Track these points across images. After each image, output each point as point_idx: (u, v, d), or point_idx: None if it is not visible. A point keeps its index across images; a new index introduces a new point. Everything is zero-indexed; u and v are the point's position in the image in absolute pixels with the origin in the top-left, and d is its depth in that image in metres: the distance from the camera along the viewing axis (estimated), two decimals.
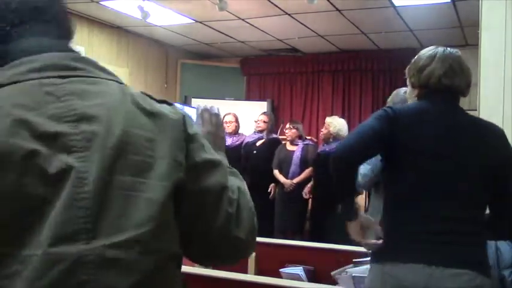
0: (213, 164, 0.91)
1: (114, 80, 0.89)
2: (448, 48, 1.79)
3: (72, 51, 0.91)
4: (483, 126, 1.75)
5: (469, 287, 1.56)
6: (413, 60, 1.83)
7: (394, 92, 3.20)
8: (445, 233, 1.60)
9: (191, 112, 1.11)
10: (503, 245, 2.39)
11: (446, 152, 1.66)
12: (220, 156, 0.97)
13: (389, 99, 3.20)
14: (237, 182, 0.96)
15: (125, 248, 0.75)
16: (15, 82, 0.81)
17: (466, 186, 1.66)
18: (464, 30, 6.62)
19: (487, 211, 1.76)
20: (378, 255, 1.69)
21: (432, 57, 1.76)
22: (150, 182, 0.81)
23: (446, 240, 1.60)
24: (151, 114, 0.86)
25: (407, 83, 1.86)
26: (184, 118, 0.91)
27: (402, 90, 3.25)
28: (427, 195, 1.64)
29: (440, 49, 1.78)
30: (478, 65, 3.08)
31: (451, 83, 1.73)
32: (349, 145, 1.70)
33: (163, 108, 0.90)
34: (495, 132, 1.75)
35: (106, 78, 0.88)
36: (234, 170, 1.00)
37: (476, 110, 3.13)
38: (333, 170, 1.70)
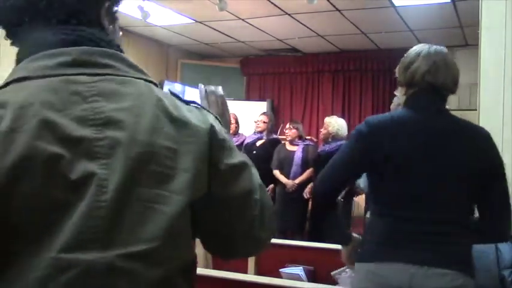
0: (240, 169, 0.89)
1: (143, 79, 0.87)
2: (434, 46, 1.79)
3: (106, 42, 0.87)
4: (468, 129, 1.75)
5: (451, 287, 1.58)
6: (401, 60, 1.85)
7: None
8: (428, 234, 1.63)
9: (193, 94, 1.09)
10: (503, 245, 2.39)
11: (424, 159, 1.68)
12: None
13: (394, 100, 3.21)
14: (257, 179, 0.93)
15: (135, 259, 0.75)
16: (43, 76, 0.78)
17: (447, 189, 1.67)
18: (464, 30, 6.62)
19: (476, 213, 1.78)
20: (365, 255, 1.72)
21: (417, 55, 1.77)
22: (169, 194, 0.79)
23: (429, 241, 1.62)
24: (177, 122, 0.83)
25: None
26: (212, 128, 0.87)
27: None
28: (408, 200, 1.67)
29: (426, 46, 1.79)
30: (478, 65, 3.08)
31: (435, 80, 1.73)
32: (323, 186, 1.83)
33: (192, 114, 0.87)
34: (480, 134, 1.74)
35: (135, 77, 0.86)
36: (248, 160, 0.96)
37: (476, 110, 3.12)
38: (315, 204, 1.86)
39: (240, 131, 6.13)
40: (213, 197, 0.86)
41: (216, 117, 0.92)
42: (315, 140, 6.64)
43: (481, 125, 3.02)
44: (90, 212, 0.73)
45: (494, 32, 3.02)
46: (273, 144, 5.82)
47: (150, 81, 0.88)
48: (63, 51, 0.81)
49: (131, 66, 0.88)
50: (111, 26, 0.93)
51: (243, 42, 7.90)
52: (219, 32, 7.29)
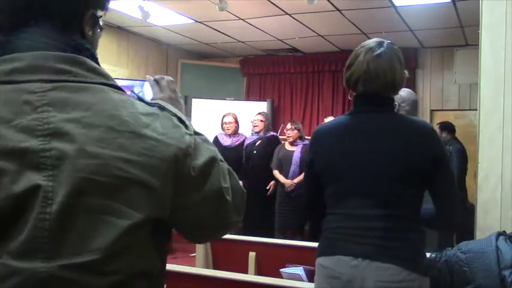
0: (209, 167, 0.89)
1: (103, 83, 0.85)
2: (377, 47, 1.80)
3: (72, 47, 0.86)
4: (406, 126, 1.78)
5: (392, 281, 1.62)
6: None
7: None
8: (372, 230, 1.68)
9: (146, 87, 1.13)
10: (503, 245, 2.39)
11: (361, 159, 1.75)
12: (189, 123, 0.94)
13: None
14: (225, 168, 0.94)
15: (79, 270, 0.75)
16: None
17: (388, 186, 1.71)
18: (464, 30, 6.62)
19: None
20: (318, 251, 1.81)
21: (356, 57, 1.83)
22: (121, 207, 0.78)
23: (373, 236, 1.67)
24: (133, 133, 0.81)
25: None
26: (176, 134, 0.87)
27: (402, 91, 3.26)
28: (352, 199, 1.75)
29: (365, 47, 1.82)
30: (478, 65, 3.08)
31: (365, 89, 1.78)
32: (304, 198, 2.01)
33: (153, 122, 0.85)
34: (418, 129, 1.77)
35: (93, 82, 0.83)
36: (206, 138, 0.96)
37: (476, 110, 3.12)
38: (307, 216, 1.95)
39: (240, 131, 6.13)
40: (187, 200, 0.87)
41: (180, 118, 0.91)
42: None
43: (481, 125, 3.03)
44: (36, 223, 0.73)
45: (494, 32, 3.02)
46: (271, 141, 5.84)
47: (111, 85, 0.86)
48: (16, 57, 0.81)
49: (91, 70, 0.84)
50: (90, 32, 0.93)
51: (243, 42, 7.90)
52: (219, 32, 7.29)
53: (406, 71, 1.87)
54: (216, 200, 0.91)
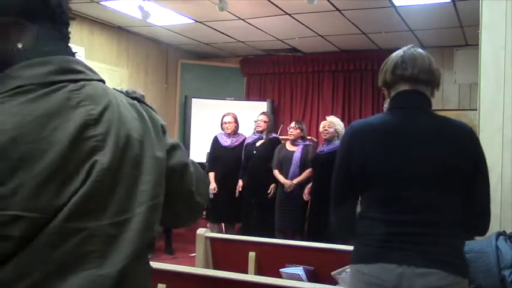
0: (175, 147, 1.10)
1: (99, 80, 1.01)
2: (410, 48, 1.83)
3: (73, 53, 1.00)
4: (449, 127, 1.76)
5: (438, 285, 1.61)
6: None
7: None
8: (413, 236, 1.66)
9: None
10: (503, 245, 2.39)
11: (402, 162, 1.71)
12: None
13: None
14: (189, 157, 1.15)
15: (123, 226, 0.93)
16: (37, 84, 0.89)
17: (428, 190, 1.69)
18: (464, 30, 6.62)
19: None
20: (355, 257, 1.77)
21: (389, 59, 1.84)
22: (142, 176, 0.98)
23: (415, 242, 1.66)
24: (136, 118, 1.02)
25: None
26: (157, 118, 1.09)
27: None
28: (391, 202, 1.71)
29: (399, 51, 1.84)
30: (478, 65, 3.08)
31: (403, 72, 1.77)
32: (336, 205, 1.85)
33: (142, 110, 1.06)
34: (462, 131, 1.75)
35: (95, 79, 1.00)
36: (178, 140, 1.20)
37: (476, 110, 3.13)
38: (335, 229, 1.90)
39: (239, 131, 6.13)
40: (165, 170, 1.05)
41: (152, 108, 1.12)
42: (315, 140, 6.64)
43: (481, 125, 3.03)
44: (94, 185, 0.91)
45: (494, 32, 3.02)
46: (273, 143, 5.83)
47: (103, 81, 1.04)
48: (49, 60, 0.94)
49: (89, 69, 1.01)
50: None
51: (243, 42, 7.90)
52: (219, 32, 7.29)
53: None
54: (181, 172, 1.10)
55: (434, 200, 1.69)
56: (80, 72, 0.96)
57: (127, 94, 1.28)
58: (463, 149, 1.71)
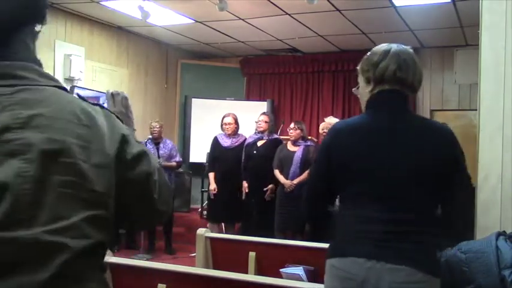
0: (140, 156, 1.09)
1: (54, 86, 1.03)
2: (402, 45, 1.86)
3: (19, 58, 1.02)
4: (427, 128, 1.79)
5: (407, 282, 1.63)
6: (365, 57, 1.89)
7: None
8: (386, 233, 1.69)
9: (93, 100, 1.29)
10: (503, 245, 2.39)
11: (381, 161, 1.74)
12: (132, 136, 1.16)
13: None
14: (155, 164, 1.14)
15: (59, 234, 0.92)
16: None
17: (406, 189, 1.72)
18: (464, 30, 6.62)
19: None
20: (330, 252, 1.81)
21: (386, 53, 1.82)
22: (79, 182, 0.96)
23: (387, 238, 1.68)
24: (85, 126, 1.00)
25: (359, 79, 1.93)
26: (113, 125, 1.06)
27: None
28: (368, 200, 1.74)
29: (393, 45, 1.85)
30: (478, 65, 3.07)
31: (406, 76, 1.79)
32: (310, 201, 1.94)
33: (97, 115, 1.04)
34: (439, 131, 1.77)
35: (47, 85, 1.01)
36: (146, 148, 1.17)
37: (476, 110, 3.12)
38: (306, 216, 2.00)
39: (239, 131, 6.13)
40: (121, 181, 1.04)
41: (117, 116, 1.11)
42: (315, 140, 6.64)
43: (481, 125, 3.03)
44: (18, 198, 0.90)
45: (494, 32, 3.02)
46: (274, 144, 5.83)
47: (60, 87, 1.04)
48: None
49: (43, 75, 1.03)
50: (32, 45, 1.08)
51: (243, 42, 7.90)
52: (219, 32, 7.29)
53: (357, 69, 1.93)
54: (144, 184, 1.10)
55: (409, 199, 1.72)
56: (22, 78, 0.98)
57: (111, 95, 1.31)
58: (441, 151, 1.74)
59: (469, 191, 1.78)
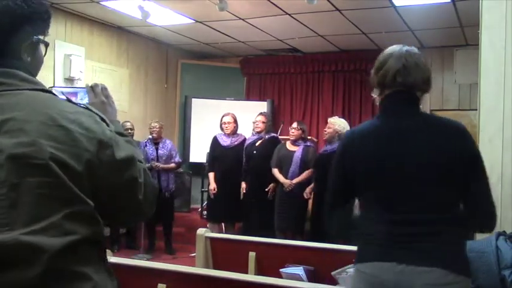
0: (128, 160, 1.12)
1: (34, 89, 1.06)
2: (406, 47, 1.84)
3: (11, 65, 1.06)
4: (440, 126, 1.77)
5: (439, 284, 1.62)
6: (376, 60, 1.90)
7: None
8: (413, 235, 1.67)
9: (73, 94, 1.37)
10: (503, 245, 2.39)
11: (397, 164, 1.73)
12: (115, 126, 1.18)
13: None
14: (141, 166, 1.16)
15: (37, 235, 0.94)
16: None
17: (425, 190, 1.71)
18: (464, 30, 6.62)
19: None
20: (357, 257, 1.79)
21: (389, 56, 1.82)
22: (54, 182, 0.98)
23: (415, 241, 1.67)
24: (60, 126, 1.02)
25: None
26: (98, 129, 1.08)
27: None
28: (389, 203, 1.73)
29: (398, 47, 1.84)
30: (478, 65, 3.08)
31: (405, 80, 1.77)
32: (328, 202, 1.89)
33: (80, 118, 1.06)
34: (453, 129, 1.76)
35: (26, 89, 1.04)
36: (130, 139, 1.19)
37: (476, 110, 3.13)
38: (326, 218, 1.90)
39: (239, 131, 6.13)
40: (107, 183, 1.07)
41: (101, 117, 1.12)
42: (315, 140, 6.64)
43: (481, 125, 3.03)
44: None
45: (494, 32, 3.02)
46: (272, 142, 5.83)
47: (41, 90, 1.07)
48: None
49: (23, 79, 1.06)
50: (29, 58, 1.13)
51: (243, 42, 7.90)
52: (219, 32, 7.29)
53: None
54: (131, 188, 1.12)
55: (433, 198, 1.70)
56: (1, 84, 1.03)
57: (90, 87, 1.34)
58: (458, 147, 1.72)
59: (487, 182, 1.75)
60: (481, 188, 1.74)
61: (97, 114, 1.12)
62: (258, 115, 6.05)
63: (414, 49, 1.84)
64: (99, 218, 1.06)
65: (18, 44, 1.11)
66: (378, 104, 1.89)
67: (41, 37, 1.16)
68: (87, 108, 1.12)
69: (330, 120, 5.50)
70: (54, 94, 1.10)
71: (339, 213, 1.87)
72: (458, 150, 1.72)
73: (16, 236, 0.91)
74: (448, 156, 1.71)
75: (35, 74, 1.14)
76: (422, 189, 1.70)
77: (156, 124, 6.49)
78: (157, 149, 6.40)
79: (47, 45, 1.18)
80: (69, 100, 1.11)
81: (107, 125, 1.13)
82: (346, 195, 1.85)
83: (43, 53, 1.19)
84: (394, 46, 1.86)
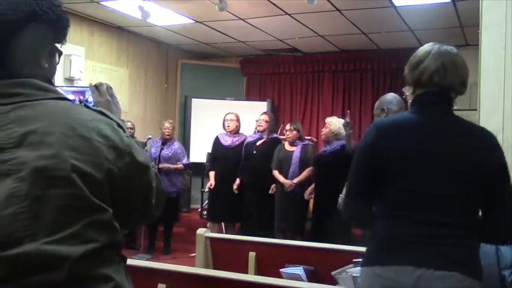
0: (144, 167, 1.14)
1: (52, 98, 1.06)
2: (445, 46, 1.78)
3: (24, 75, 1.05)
4: (474, 132, 1.75)
5: None
6: (411, 57, 1.83)
7: (380, 99, 3.24)
8: (433, 237, 1.64)
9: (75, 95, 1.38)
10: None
11: (427, 162, 1.69)
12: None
13: (375, 105, 3.23)
14: (154, 172, 1.18)
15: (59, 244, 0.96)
16: None
17: (451, 192, 1.68)
18: (464, 30, 6.62)
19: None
20: (369, 259, 1.73)
21: (427, 54, 1.76)
22: (76, 193, 0.99)
23: (434, 243, 1.63)
24: (80, 136, 1.02)
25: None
26: (115, 137, 1.08)
27: (388, 95, 3.28)
28: (412, 202, 1.68)
29: (436, 46, 1.78)
30: (478, 65, 3.07)
31: (443, 81, 1.73)
32: (351, 204, 1.81)
33: (99, 125, 1.06)
34: (485, 136, 1.74)
35: (45, 98, 1.04)
36: (138, 142, 1.21)
37: (476, 110, 3.12)
38: (350, 218, 1.86)
39: (240, 131, 6.13)
40: (126, 191, 1.09)
41: (118, 123, 1.13)
42: (315, 140, 6.64)
43: (481, 125, 3.03)
44: (16, 217, 0.94)
45: (494, 32, 3.02)
46: (274, 143, 5.83)
47: (59, 98, 1.08)
48: None
49: (41, 89, 1.06)
50: (47, 64, 1.14)
51: (243, 42, 7.90)
52: (219, 32, 7.29)
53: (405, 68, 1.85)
54: (146, 192, 1.15)
55: (458, 203, 1.67)
56: (17, 95, 1.02)
57: (95, 87, 1.33)
58: (487, 156, 1.70)
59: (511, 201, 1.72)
60: (505, 202, 1.71)
61: (114, 121, 1.12)
62: (262, 114, 6.07)
63: (453, 49, 1.78)
64: (116, 222, 1.08)
65: (40, 50, 1.12)
66: (409, 100, 1.84)
67: (59, 45, 1.18)
68: (103, 114, 1.12)
69: (327, 120, 5.51)
70: (71, 101, 1.11)
71: (360, 204, 1.79)
72: (490, 163, 1.70)
73: (38, 246, 0.93)
74: (479, 164, 1.69)
75: (52, 81, 1.14)
76: (450, 191, 1.67)
77: (169, 125, 6.44)
78: (161, 150, 6.38)
79: (60, 53, 1.19)
80: (86, 106, 1.12)
81: (124, 130, 1.13)
82: (370, 184, 1.76)
83: (57, 61, 1.20)
84: (431, 44, 1.80)
